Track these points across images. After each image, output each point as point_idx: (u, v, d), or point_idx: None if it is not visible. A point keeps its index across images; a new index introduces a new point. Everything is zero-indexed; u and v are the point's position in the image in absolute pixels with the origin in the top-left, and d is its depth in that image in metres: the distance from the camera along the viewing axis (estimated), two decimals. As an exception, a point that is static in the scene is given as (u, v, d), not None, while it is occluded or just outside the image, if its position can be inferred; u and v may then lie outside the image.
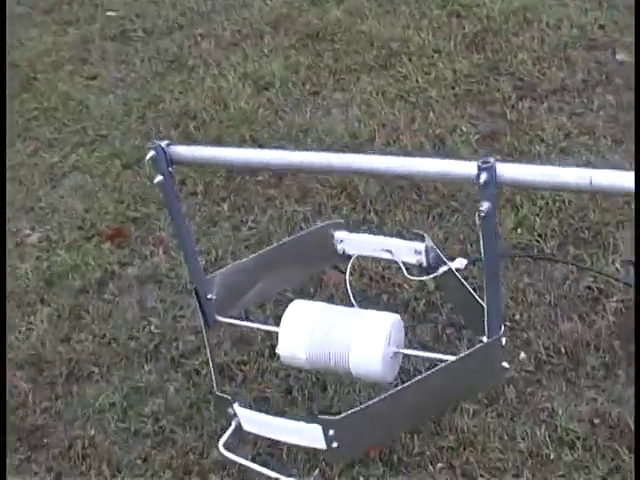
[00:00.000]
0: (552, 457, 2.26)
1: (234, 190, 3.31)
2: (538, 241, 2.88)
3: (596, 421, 2.33)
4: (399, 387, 1.78)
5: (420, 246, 2.20)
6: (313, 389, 2.53)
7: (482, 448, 2.29)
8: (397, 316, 2.05)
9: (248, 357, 2.66)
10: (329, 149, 3.38)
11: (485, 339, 1.87)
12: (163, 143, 1.92)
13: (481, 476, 2.25)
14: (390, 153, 3.34)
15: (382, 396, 1.76)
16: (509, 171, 1.62)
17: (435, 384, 1.82)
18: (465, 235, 2.94)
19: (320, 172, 1.86)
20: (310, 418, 1.84)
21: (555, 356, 2.51)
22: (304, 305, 2.12)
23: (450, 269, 2.11)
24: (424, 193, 3.14)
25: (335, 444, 1.77)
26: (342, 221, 2.33)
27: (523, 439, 2.31)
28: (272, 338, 2.69)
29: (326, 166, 1.74)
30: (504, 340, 1.87)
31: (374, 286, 2.81)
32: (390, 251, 2.26)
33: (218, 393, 1.84)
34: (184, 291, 2.94)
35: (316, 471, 1.78)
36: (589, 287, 2.69)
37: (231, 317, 2.32)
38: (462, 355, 1.84)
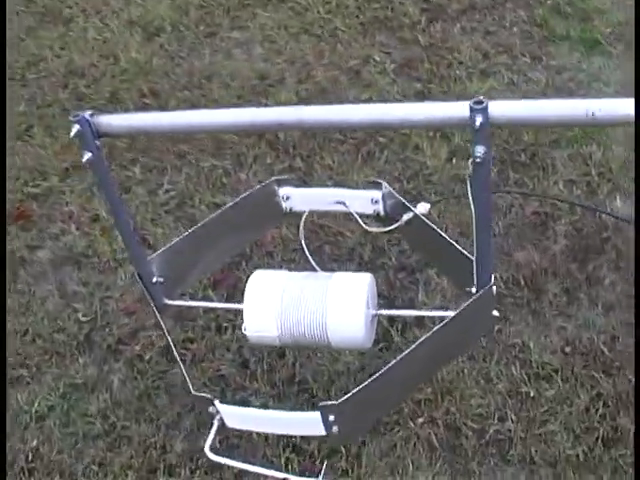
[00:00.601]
0: (532, 394, 2.19)
1: (142, 151, 3.01)
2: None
3: (568, 350, 2.28)
4: (397, 359, 1.62)
5: (377, 194, 2.02)
6: (270, 358, 2.36)
7: (461, 396, 2.20)
8: (370, 275, 1.88)
9: (193, 334, 2.44)
10: (238, 94, 3.13)
11: (474, 290, 1.74)
12: (87, 114, 1.65)
13: (465, 425, 2.16)
14: (305, 91, 3.14)
15: (380, 372, 1.59)
16: (503, 109, 1.44)
17: (431, 347, 1.68)
18: (400, 172, 2.80)
19: (283, 129, 1.63)
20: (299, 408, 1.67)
21: (515, 288, 2.43)
22: (267, 276, 1.91)
23: (415, 215, 1.95)
24: (349, 132, 2.96)
25: (335, 428, 1.60)
26: (287, 177, 2.12)
27: (500, 380, 2.23)
28: (216, 310, 2.50)
29: (292, 122, 1.52)
30: (495, 288, 1.75)
31: (314, 238, 2.63)
32: (344, 203, 2.07)
33: (196, 393, 1.63)
34: (108, 269, 2.67)
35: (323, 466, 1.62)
36: (536, 212, 2.62)
37: (180, 298, 2.10)
38: (458, 311, 1.70)
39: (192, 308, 2.46)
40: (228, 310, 2.45)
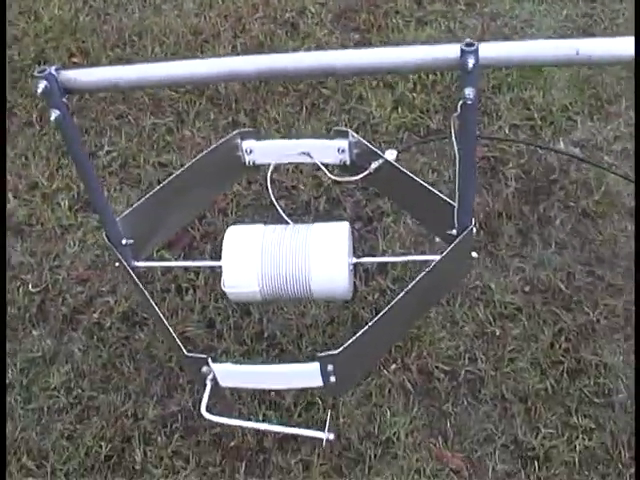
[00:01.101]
0: (498, 334, 2.25)
1: (76, 112, 2.87)
2: (422, 118, 2.79)
3: (527, 289, 2.35)
4: (386, 308, 1.62)
5: (343, 144, 2.00)
6: (236, 316, 2.33)
7: (430, 340, 2.24)
8: (347, 224, 1.87)
9: (153, 297, 2.38)
10: (173, 51, 3.03)
11: (454, 232, 1.75)
12: (52, 69, 1.55)
13: (436, 368, 2.20)
14: (242, 45, 3.06)
15: (375, 319, 1.59)
16: (492, 51, 1.44)
17: (419, 291, 1.69)
18: (347, 123, 2.78)
19: (265, 78, 1.58)
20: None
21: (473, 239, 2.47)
22: (244, 230, 1.87)
23: (387, 161, 1.94)
24: (290, 84, 2.91)
25: (333, 379, 1.60)
26: (250, 129, 2.06)
27: (466, 322, 2.28)
28: (173, 271, 2.44)
29: (277, 70, 1.47)
30: (474, 230, 1.77)
31: (266, 194, 2.58)
32: (308, 153, 2.04)
33: (189, 354, 1.59)
34: (54, 237, 2.55)
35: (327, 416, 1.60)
36: (485, 157, 2.66)
37: (146, 260, 2.03)
38: (444, 254, 1.71)
39: (149, 270, 2.40)
40: (198, 269, 2.41)
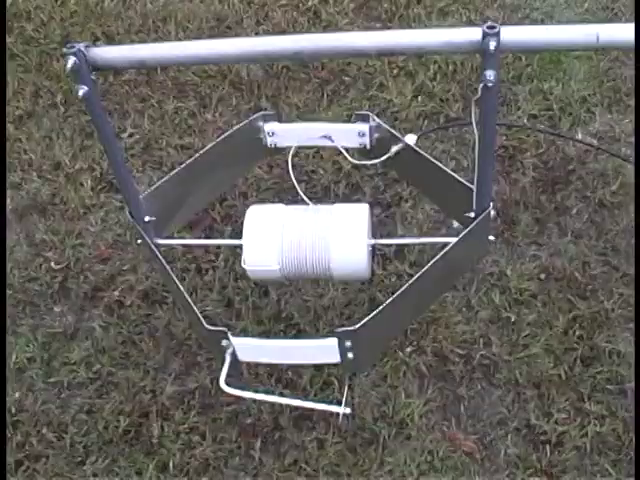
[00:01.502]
0: (514, 319, 2.27)
1: (101, 95, 2.89)
2: (442, 106, 2.81)
3: (543, 276, 2.37)
4: (405, 285, 1.65)
5: (364, 127, 2.02)
6: (254, 297, 2.36)
7: (446, 324, 2.26)
8: (367, 206, 1.90)
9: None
10: (196, 36, 3.06)
11: (472, 215, 1.78)
12: (81, 45, 1.58)
13: (451, 352, 2.22)
14: (264, 32, 3.09)
15: (394, 296, 1.62)
16: (514, 35, 1.46)
17: (437, 271, 1.72)
18: (367, 110, 2.79)
19: (295, 58, 1.60)
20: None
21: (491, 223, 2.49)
22: (265, 210, 1.90)
23: (407, 145, 1.96)
24: (312, 71, 2.94)
25: (350, 355, 1.63)
26: (272, 112, 2.09)
27: (481, 307, 2.30)
28: (192, 251, 2.47)
29: (307, 49, 1.50)
30: (493, 212, 1.79)
31: (288, 177, 2.61)
32: (329, 137, 2.06)
33: (210, 327, 1.62)
34: (77, 217, 2.60)
35: (345, 390, 1.63)
36: (503, 146, 2.67)
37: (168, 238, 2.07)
38: (461, 235, 1.73)
39: (169, 251, 2.43)
40: (218, 250, 2.44)
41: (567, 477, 2.02)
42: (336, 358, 1.63)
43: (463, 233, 1.71)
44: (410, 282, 1.63)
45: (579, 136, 2.71)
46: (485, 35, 1.44)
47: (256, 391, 1.70)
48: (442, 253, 1.67)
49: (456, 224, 2.44)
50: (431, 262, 1.65)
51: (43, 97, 2.96)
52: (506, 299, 2.31)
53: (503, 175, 2.59)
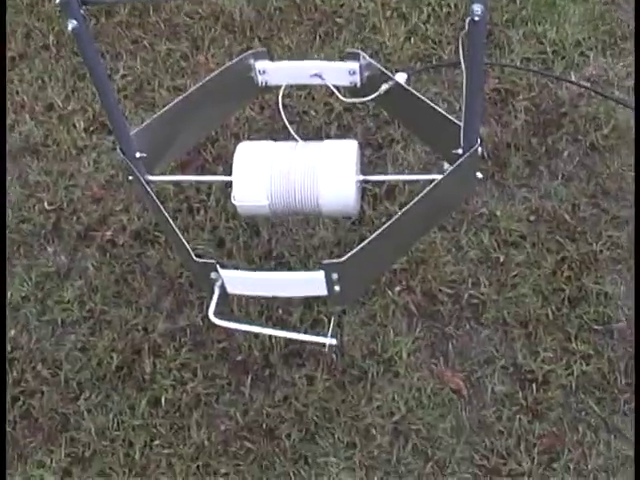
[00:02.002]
0: (502, 260, 2.29)
1: (93, 36, 2.88)
2: (434, 48, 2.79)
3: (532, 218, 2.38)
4: (393, 219, 1.67)
5: (354, 65, 2.02)
6: (245, 236, 2.38)
7: (434, 264, 2.28)
8: (356, 142, 1.90)
9: (165, 216, 2.43)
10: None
11: (460, 151, 1.78)
12: (70, -22, 1.57)
13: (440, 291, 2.25)
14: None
15: (379, 230, 1.63)
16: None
17: (424, 207, 1.73)
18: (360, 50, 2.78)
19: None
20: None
21: (479, 160, 2.50)
22: (254, 146, 1.91)
23: (397, 83, 1.96)
24: (304, 12, 2.92)
25: (337, 288, 1.65)
26: (264, 50, 2.08)
27: (471, 247, 2.32)
28: (184, 191, 2.48)
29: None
30: (480, 150, 1.80)
31: (279, 118, 2.61)
32: (320, 75, 2.06)
33: (199, 260, 1.64)
34: (69, 158, 2.60)
35: (332, 322, 1.65)
36: (495, 89, 2.66)
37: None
38: (448, 171, 1.74)
39: (161, 190, 2.44)
40: (209, 190, 2.46)
41: (552, 415, 2.06)
42: (323, 290, 1.66)
43: (451, 168, 1.72)
44: (397, 216, 1.65)
45: (572, 79, 2.70)
46: (474, -37, 1.43)
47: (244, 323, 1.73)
48: (429, 188, 1.68)
49: (447, 165, 2.45)
50: (418, 197, 1.66)
51: (35, 39, 2.93)
52: (495, 240, 2.33)
53: (495, 117, 2.59)
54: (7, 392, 2.14)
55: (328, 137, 2.56)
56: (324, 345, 1.64)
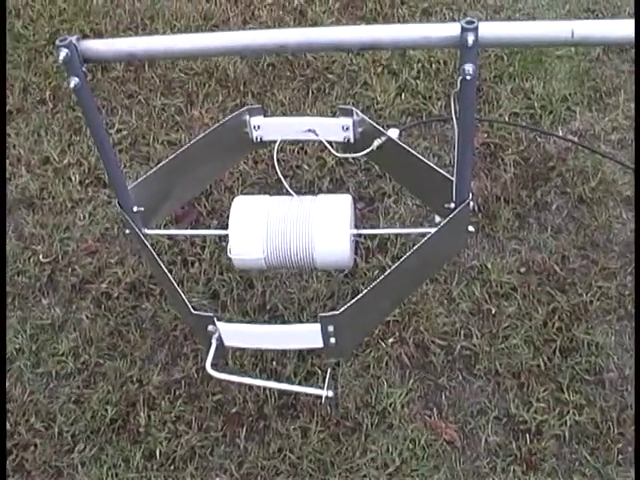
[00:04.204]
0: (494, 311, 2.32)
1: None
2: (425, 104, 2.86)
3: (523, 270, 2.42)
4: (388, 271, 1.70)
5: (347, 122, 2.07)
6: (239, 289, 2.40)
7: (427, 316, 2.31)
8: (350, 196, 1.94)
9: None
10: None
11: (452, 205, 1.83)
12: (73, 38, 1.62)
13: (432, 343, 2.27)
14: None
15: (375, 283, 1.66)
16: (491, 30, 1.51)
17: (417, 260, 1.76)
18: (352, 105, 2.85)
19: (283, 50, 1.65)
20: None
21: (470, 214, 2.54)
22: (250, 200, 1.94)
23: (389, 139, 2.01)
24: (297, 69, 2.99)
25: (333, 340, 1.67)
26: (258, 106, 2.13)
27: (462, 299, 2.35)
28: (179, 244, 2.51)
29: (294, 43, 1.54)
30: (472, 204, 1.84)
31: (273, 172, 2.66)
32: (314, 131, 2.11)
33: (196, 312, 1.66)
34: (65, 210, 2.63)
35: (327, 374, 1.67)
36: (484, 143, 2.73)
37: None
38: (441, 225, 1.78)
39: (156, 243, 2.47)
40: (204, 243, 2.48)
41: (546, 465, 2.06)
42: (319, 343, 1.68)
43: (443, 222, 1.76)
44: (392, 269, 1.68)
45: (560, 133, 2.77)
46: (464, 30, 1.50)
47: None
48: (423, 241, 1.71)
49: (438, 219, 2.49)
50: (412, 250, 1.70)
51: (32, 93, 2.99)
52: (487, 292, 2.36)
53: (485, 171, 2.65)
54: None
55: (320, 190, 2.61)
56: (321, 397, 1.65)
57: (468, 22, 1.49)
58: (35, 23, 3.23)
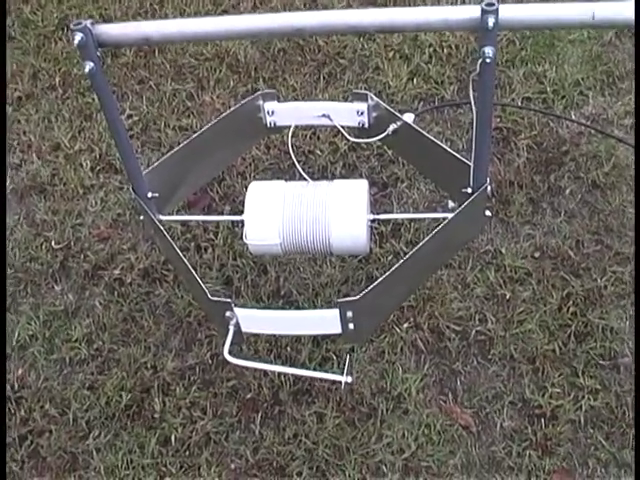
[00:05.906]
0: (508, 297, 2.31)
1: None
2: (437, 88, 2.84)
3: (537, 255, 2.40)
4: (407, 256, 1.69)
5: (362, 106, 2.06)
6: (253, 275, 2.39)
7: (441, 301, 2.30)
8: (366, 181, 1.93)
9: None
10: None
11: (469, 190, 1.81)
12: (88, 22, 1.60)
13: (447, 328, 2.26)
14: (260, 16, 3.11)
15: (393, 268, 1.65)
16: (512, 12, 1.50)
17: (434, 246, 1.75)
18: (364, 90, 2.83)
19: (299, 34, 1.63)
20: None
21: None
22: (266, 185, 1.93)
23: (405, 123, 2.00)
24: (308, 53, 2.97)
25: (351, 325, 1.66)
26: (272, 91, 2.12)
27: (477, 284, 2.34)
28: (191, 230, 2.50)
29: (309, 26, 1.52)
30: (489, 188, 1.83)
31: (285, 157, 2.65)
32: (328, 116, 2.09)
33: (214, 299, 1.65)
34: (76, 197, 2.62)
35: (347, 360, 1.66)
36: (497, 128, 2.71)
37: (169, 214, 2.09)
38: (458, 211, 1.77)
39: (168, 230, 2.45)
40: (217, 229, 2.47)
41: (561, 450, 2.06)
42: (338, 328, 1.67)
43: (462, 207, 1.75)
44: (410, 254, 1.67)
45: (572, 117, 2.75)
46: (484, 12, 1.48)
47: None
48: (442, 225, 1.70)
49: (451, 204, 2.48)
50: (429, 235, 1.68)
51: (41, 79, 2.98)
52: (501, 277, 2.35)
53: (498, 156, 2.63)
54: (14, 430, 2.14)
55: (334, 176, 2.60)
56: (337, 383, 1.64)
57: (488, 4, 1.47)
58: (44, 9, 3.22)
